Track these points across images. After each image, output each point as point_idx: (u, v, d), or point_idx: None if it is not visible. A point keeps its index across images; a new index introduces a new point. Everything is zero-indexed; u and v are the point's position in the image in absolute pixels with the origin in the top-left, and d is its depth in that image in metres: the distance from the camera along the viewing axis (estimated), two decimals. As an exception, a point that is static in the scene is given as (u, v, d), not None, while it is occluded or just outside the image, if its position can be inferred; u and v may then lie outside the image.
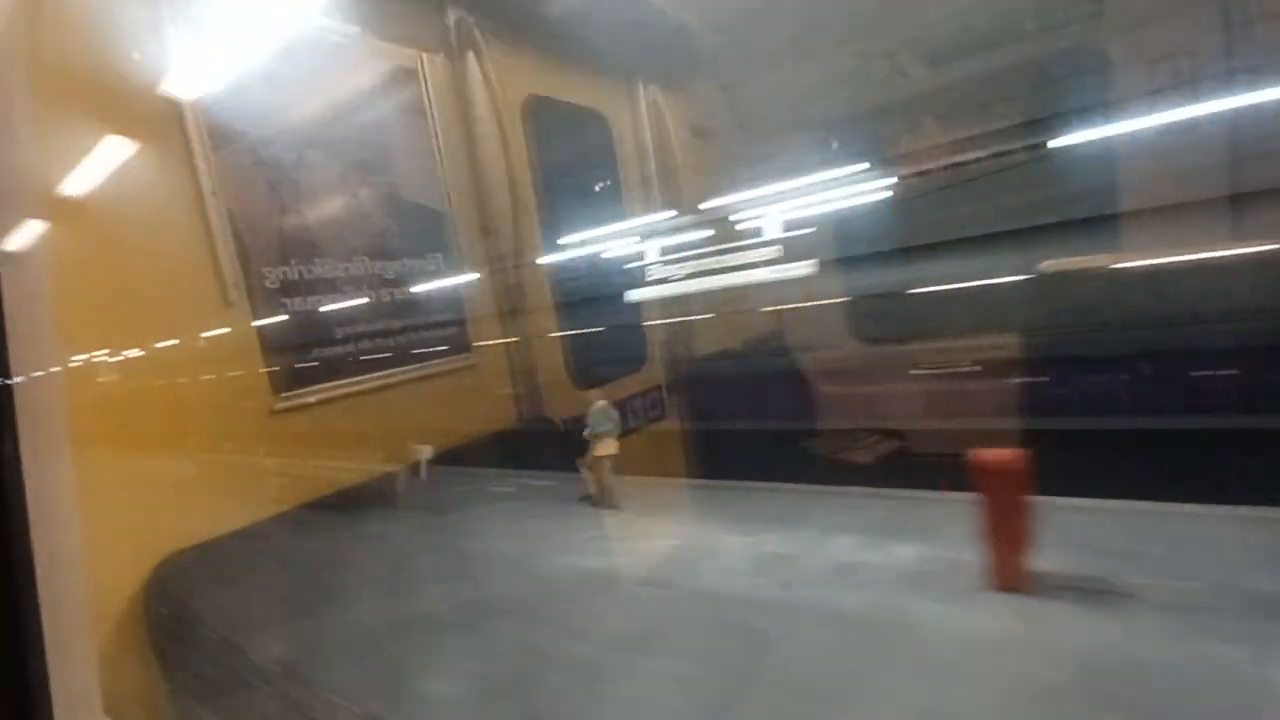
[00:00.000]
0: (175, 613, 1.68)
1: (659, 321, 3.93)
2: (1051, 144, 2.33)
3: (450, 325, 2.87)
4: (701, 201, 3.94)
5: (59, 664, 1.14)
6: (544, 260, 3.26)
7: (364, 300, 2.55)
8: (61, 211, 1.73)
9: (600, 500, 1.99)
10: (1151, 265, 2.46)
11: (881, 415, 3.40)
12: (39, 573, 1.12)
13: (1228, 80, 2.87)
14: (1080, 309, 2.78)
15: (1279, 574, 1.17)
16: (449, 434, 2.61)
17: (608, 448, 1.98)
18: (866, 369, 3.53)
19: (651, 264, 3.11)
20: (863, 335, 3.62)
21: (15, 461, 1.08)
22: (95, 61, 1.86)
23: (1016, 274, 2.43)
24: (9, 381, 1.05)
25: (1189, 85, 2.90)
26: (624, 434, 3.51)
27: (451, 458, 2.54)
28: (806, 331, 3.69)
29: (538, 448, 2.97)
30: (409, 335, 2.69)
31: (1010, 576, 1.21)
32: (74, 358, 1.71)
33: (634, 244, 3.69)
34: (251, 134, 2.25)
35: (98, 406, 1.77)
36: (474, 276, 3.00)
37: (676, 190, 3.97)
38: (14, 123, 1.15)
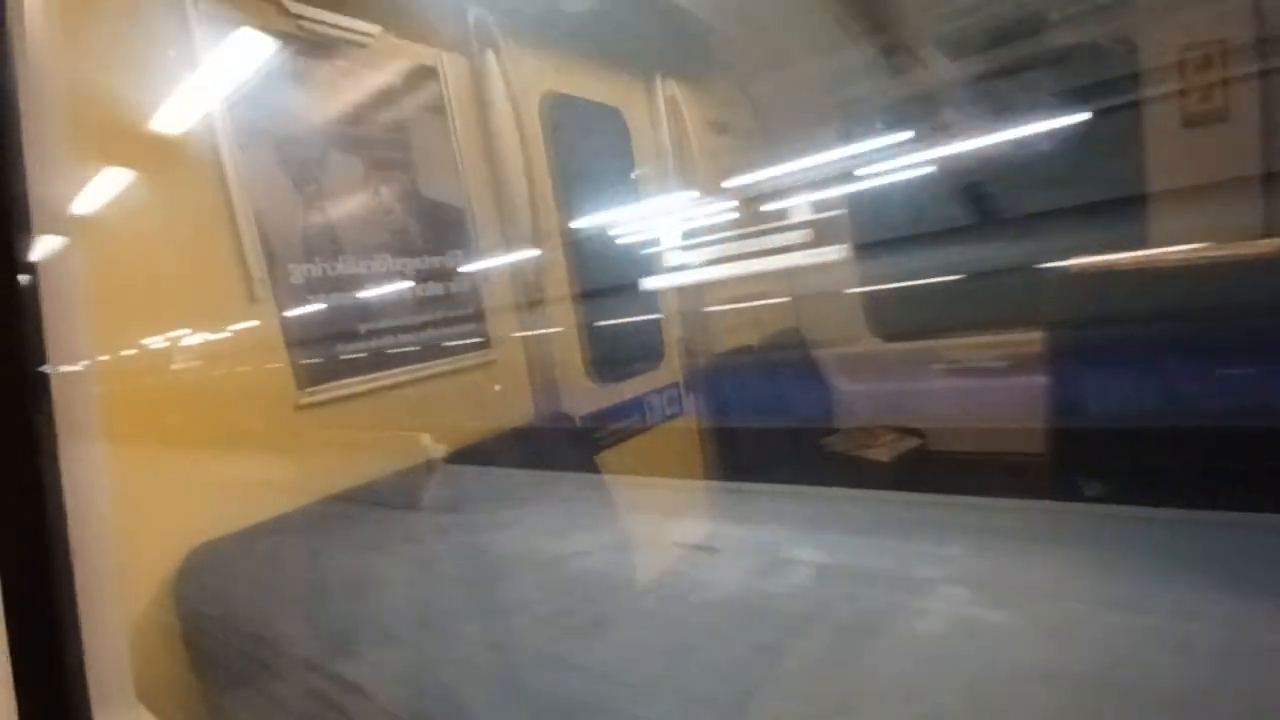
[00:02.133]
0: (204, 600, 1.72)
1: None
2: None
3: (469, 321, 2.89)
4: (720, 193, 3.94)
5: (94, 652, 1.17)
6: (553, 252, 3.28)
7: (386, 297, 2.58)
8: (96, 211, 1.77)
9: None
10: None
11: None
12: (75, 561, 1.14)
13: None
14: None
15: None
16: (469, 430, 2.63)
17: None
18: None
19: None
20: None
21: (53, 452, 1.10)
22: (127, 63, 1.91)
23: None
24: (47, 372, 1.07)
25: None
26: (643, 430, 3.53)
27: (472, 454, 2.56)
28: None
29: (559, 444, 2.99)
30: (429, 331, 2.71)
31: None
32: (106, 353, 1.75)
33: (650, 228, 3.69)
34: (277, 133, 2.28)
35: (127, 400, 1.81)
36: (493, 273, 3.02)
37: (694, 185, 3.97)
38: (50, 125, 1.17)
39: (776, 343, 4.16)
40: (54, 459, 1.11)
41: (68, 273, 1.06)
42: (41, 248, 1.03)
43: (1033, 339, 3.04)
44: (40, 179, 0.99)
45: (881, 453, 3.63)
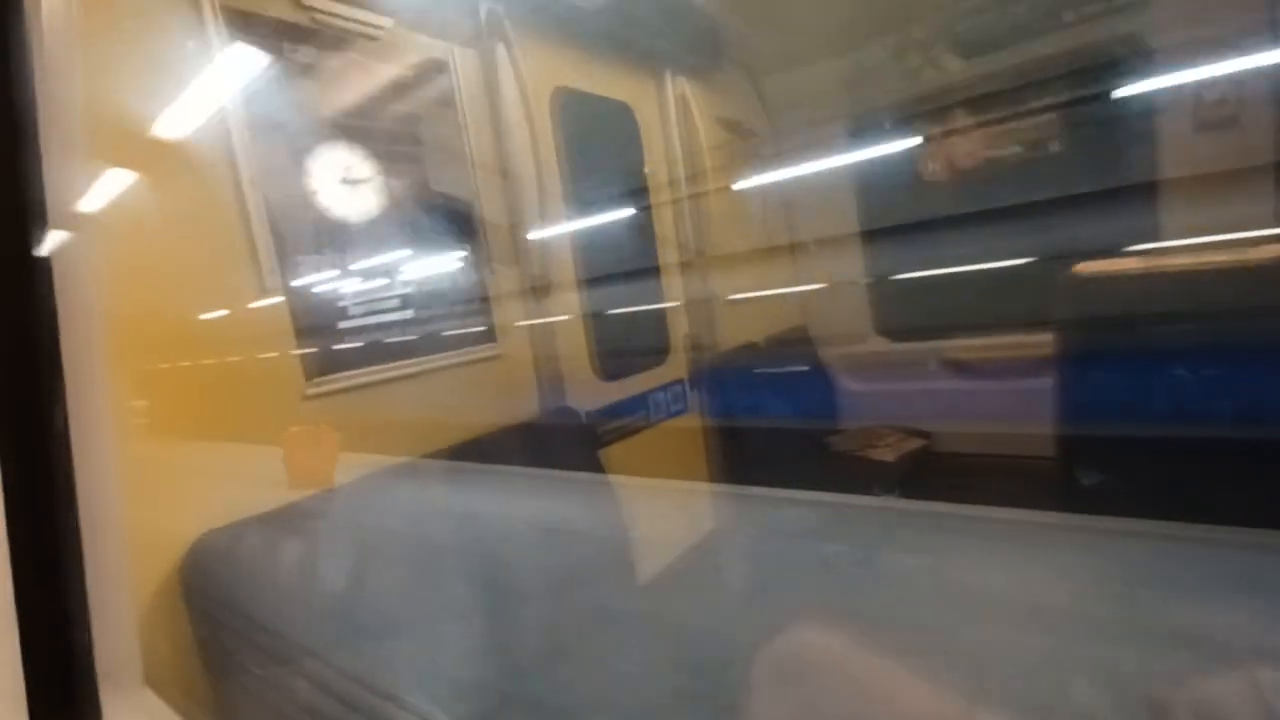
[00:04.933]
0: (210, 587, 1.75)
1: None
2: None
3: (475, 315, 2.91)
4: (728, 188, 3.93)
5: (102, 634, 1.19)
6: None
7: (393, 289, 2.60)
8: (109, 203, 1.79)
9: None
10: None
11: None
12: (84, 545, 1.17)
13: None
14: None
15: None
16: (473, 426, 2.65)
17: None
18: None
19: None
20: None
21: (65, 437, 1.13)
22: (142, 56, 1.93)
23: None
24: (61, 362, 1.09)
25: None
26: (645, 428, 3.55)
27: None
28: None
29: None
30: (436, 324, 2.73)
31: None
32: (115, 342, 1.77)
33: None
34: (288, 125, 2.30)
35: (135, 389, 1.83)
36: (499, 267, 3.03)
37: (703, 179, 3.96)
38: (66, 119, 1.19)
39: (782, 340, 4.16)
40: (66, 445, 1.13)
41: (82, 266, 1.08)
42: (56, 241, 1.05)
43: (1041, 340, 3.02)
44: (55, 173, 1.01)
45: (886, 453, 3.63)
